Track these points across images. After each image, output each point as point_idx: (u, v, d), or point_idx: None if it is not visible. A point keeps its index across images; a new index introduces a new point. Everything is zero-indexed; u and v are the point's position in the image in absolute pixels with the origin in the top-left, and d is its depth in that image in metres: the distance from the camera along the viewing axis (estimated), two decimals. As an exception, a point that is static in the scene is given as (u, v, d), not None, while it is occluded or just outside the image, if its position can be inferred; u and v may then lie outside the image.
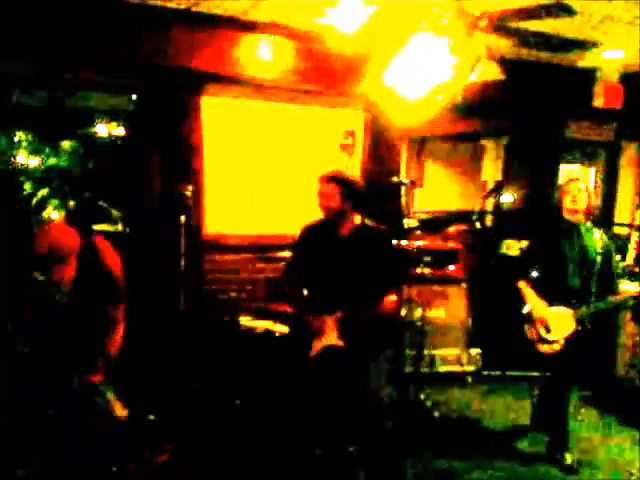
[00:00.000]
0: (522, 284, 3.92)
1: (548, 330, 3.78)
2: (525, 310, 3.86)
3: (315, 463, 3.46)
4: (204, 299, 4.94)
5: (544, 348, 3.79)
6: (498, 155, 7.09)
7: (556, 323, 3.77)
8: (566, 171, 7.12)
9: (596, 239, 3.89)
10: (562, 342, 3.76)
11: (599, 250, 3.85)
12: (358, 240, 3.41)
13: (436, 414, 4.51)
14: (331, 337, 3.33)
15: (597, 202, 4.17)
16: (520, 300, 3.91)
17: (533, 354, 3.86)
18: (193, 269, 4.81)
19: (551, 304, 3.82)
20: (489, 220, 6.91)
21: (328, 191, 3.36)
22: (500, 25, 3.62)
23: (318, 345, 3.35)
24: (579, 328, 3.75)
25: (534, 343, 3.82)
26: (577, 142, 7.01)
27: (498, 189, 6.86)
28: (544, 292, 3.85)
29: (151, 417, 3.87)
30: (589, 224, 3.93)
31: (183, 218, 3.72)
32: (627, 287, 4.20)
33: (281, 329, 4.32)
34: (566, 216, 3.88)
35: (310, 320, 3.40)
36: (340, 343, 3.31)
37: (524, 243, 5.69)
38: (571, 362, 3.82)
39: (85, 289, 3.00)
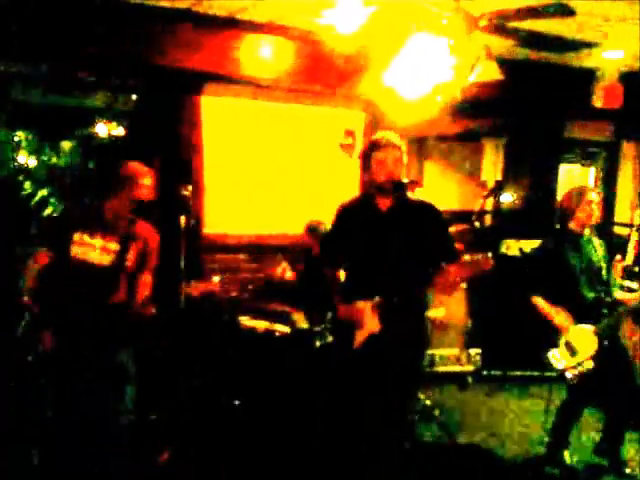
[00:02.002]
0: (539, 300, 3.67)
1: (574, 353, 3.57)
2: (560, 367, 3.59)
3: (315, 464, 3.46)
4: (204, 299, 4.94)
5: (573, 373, 3.57)
6: (498, 155, 7.09)
7: (580, 343, 3.57)
8: (566, 171, 7.13)
9: (597, 246, 3.78)
10: (590, 362, 3.53)
11: (602, 257, 3.76)
12: (400, 213, 3.12)
13: (436, 414, 4.51)
14: (372, 324, 3.06)
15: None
16: (537, 318, 3.67)
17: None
18: (193, 269, 4.81)
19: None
20: (489, 220, 6.90)
21: (396, 156, 3.07)
22: (500, 25, 3.63)
23: (361, 335, 3.07)
24: (603, 344, 3.55)
25: (563, 371, 3.59)
26: (577, 142, 7.01)
27: (498, 189, 6.85)
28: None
29: (152, 417, 3.88)
30: (587, 232, 3.80)
31: (183, 218, 3.71)
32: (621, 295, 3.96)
33: (281, 329, 4.32)
34: (572, 226, 3.74)
35: (346, 309, 3.12)
36: (377, 329, 3.04)
37: (524, 243, 5.71)
38: (595, 379, 3.62)
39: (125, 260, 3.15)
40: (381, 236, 3.10)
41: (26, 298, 3.05)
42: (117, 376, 3.11)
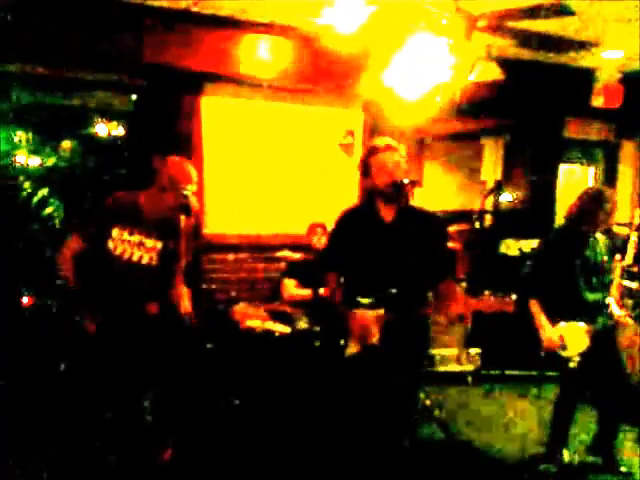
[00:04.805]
0: (534, 306, 3.63)
1: (564, 347, 3.56)
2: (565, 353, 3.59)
3: (315, 463, 3.46)
4: (204, 299, 4.94)
5: (561, 365, 3.60)
6: (498, 155, 7.09)
7: (571, 339, 3.56)
8: (566, 171, 7.13)
9: (601, 244, 3.73)
10: (577, 359, 3.55)
11: (605, 255, 3.71)
12: (405, 225, 3.00)
13: (436, 413, 4.51)
14: (374, 335, 2.92)
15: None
16: (531, 320, 3.64)
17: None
18: (193, 269, 4.81)
19: (565, 319, 3.60)
20: (489, 220, 6.91)
21: (399, 160, 2.97)
22: (500, 25, 3.63)
23: (358, 343, 2.94)
24: (594, 344, 3.55)
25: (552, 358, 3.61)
26: (576, 142, 7.01)
27: (498, 189, 6.86)
28: (557, 307, 3.60)
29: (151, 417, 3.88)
30: (598, 232, 3.75)
31: (183, 218, 3.72)
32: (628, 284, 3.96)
33: (281, 329, 4.32)
34: (586, 227, 3.66)
35: (350, 315, 2.93)
36: (375, 340, 2.90)
37: (524, 243, 5.71)
38: (587, 376, 3.67)
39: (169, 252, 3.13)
40: (385, 249, 2.98)
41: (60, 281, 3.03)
42: (149, 375, 3.12)
